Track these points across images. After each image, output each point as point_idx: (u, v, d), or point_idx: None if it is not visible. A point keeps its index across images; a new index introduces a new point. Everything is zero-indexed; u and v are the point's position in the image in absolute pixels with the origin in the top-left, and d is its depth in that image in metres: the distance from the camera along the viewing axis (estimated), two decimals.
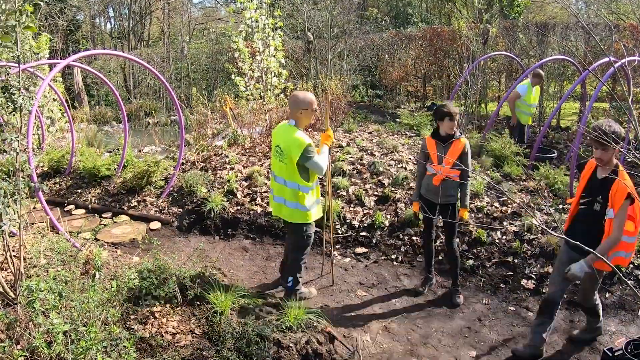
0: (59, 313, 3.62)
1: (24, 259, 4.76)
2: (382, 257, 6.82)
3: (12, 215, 4.13)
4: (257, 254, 7.10)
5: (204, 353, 4.18)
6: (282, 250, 7.09)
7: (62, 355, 3.37)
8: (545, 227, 3.65)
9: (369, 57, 18.71)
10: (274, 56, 11.07)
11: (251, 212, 7.82)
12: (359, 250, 6.99)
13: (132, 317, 4.45)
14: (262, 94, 11.21)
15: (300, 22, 18.05)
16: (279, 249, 7.16)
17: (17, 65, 4.48)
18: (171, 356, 4.04)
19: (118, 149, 10.96)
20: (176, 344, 4.24)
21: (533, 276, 6.11)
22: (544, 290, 5.84)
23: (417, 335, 5.23)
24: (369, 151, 9.24)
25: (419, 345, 5.07)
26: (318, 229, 6.58)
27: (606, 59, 8.17)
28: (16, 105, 4.25)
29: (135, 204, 8.53)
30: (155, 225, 7.93)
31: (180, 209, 8.23)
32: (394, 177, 8.17)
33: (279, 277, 6.17)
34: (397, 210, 7.48)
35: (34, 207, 7.88)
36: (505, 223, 6.99)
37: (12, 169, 4.31)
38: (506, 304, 5.81)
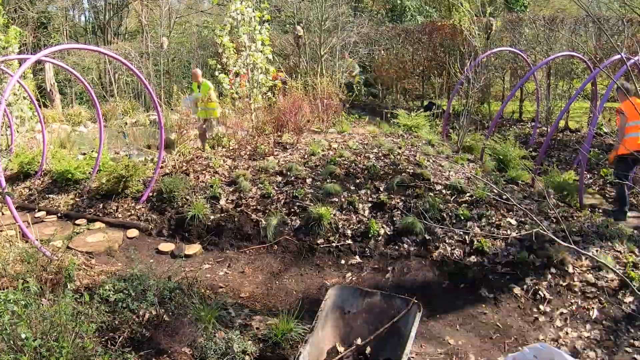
0: (29, 327, 3.62)
1: None
2: (377, 268, 6.84)
3: None
4: (243, 263, 7.11)
5: None
6: (270, 260, 7.11)
7: None
8: (553, 236, 3.71)
9: (363, 52, 18.76)
10: (260, 51, 11.10)
11: (236, 219, 7.84)
12: (352, 260, 7.00)
13: (108, 331, 4.45)
14: (248, 92, 11.23)
15: (289, 14, 18.10)
16: (267, 259, 7.16)
17: None
18: None
19: (93, 151, 10.96)
20: None
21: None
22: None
23: None
24: (363, 154, 9.27)
25: None
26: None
27: (618, 56, 8.24)
28: None
29: (112, 210, 8.53)
30: (133, 232, 7.93)
31: (160, 216, 8.24)
32: (390, 182, 8.20)
33: (266, 288, 6.17)
34: (393, 217, 7.51)
35: (2, 213, 7.87)
36: (509, 231, 7.04)
37: None
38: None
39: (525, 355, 3.69)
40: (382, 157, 9.13)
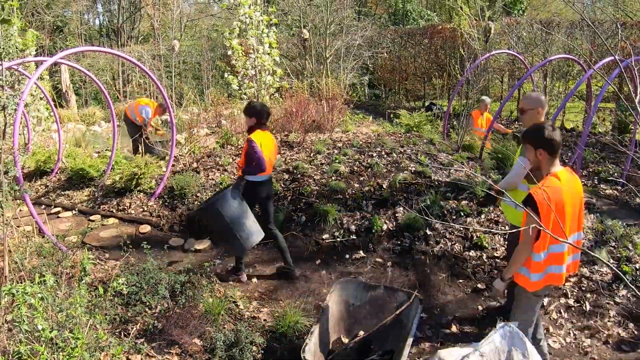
0: (45, 318, 3.63)
1: (9, 263, 4.76)
2: (380, 262, 6.83)
3: None
4: (251, 258, 7.10)
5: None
6: (277, 254, 7.09)
7: None
8: (549, 232, 3.67)
9: (367, 55, 18.75)
10: (268, 54, 11.09)
11: None
12: (356, 255, 6.99)
13: (121, 323, 4.46)
14: (256, 93, 11.22)
15: (295, 18, 18.08)
16: (273, 254, 7.15)
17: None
18: None
19: (107, 150, 10.96)
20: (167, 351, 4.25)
21: None
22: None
23: None
24: (366, 153, 9.26)
25: None
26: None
27: (611, 58, 8.21)
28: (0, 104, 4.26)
29: (125, 206, 8.54)
30: (145, 228, 7.93)
31: (172, 212, 8.24)
32: (393, 179, 8.19)
33: (273, 282, 6.15)
34: (396, 213, 7.50)
35: (20, 209, 7.88)
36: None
37: None
38: None
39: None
40: (385, 156, 9.11)
